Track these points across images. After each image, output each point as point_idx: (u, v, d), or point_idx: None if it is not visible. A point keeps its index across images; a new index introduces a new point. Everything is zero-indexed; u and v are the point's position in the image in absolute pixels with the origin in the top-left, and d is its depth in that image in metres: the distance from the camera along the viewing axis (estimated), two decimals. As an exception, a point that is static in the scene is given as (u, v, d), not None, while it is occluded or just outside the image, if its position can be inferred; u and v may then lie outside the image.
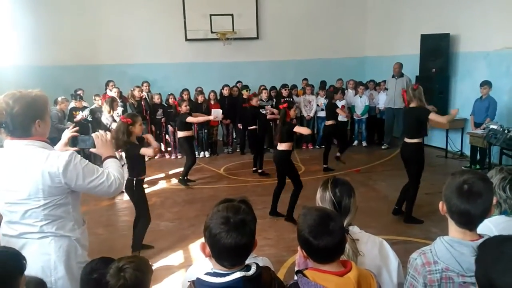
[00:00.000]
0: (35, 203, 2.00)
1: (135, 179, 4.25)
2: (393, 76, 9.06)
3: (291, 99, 9.27)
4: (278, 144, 5.21)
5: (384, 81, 9.51)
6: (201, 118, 6.98)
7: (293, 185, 5.15)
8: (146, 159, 4.49)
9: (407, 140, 4.97)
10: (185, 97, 8.76)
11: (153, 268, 4.06)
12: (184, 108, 6.76)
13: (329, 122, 7.46)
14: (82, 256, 2.19)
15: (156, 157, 8.91)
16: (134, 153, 4.20)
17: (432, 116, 4.77)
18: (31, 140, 2.02)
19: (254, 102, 7.82)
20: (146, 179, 7.13)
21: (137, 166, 4.28)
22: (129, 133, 4.15)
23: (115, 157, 2.35)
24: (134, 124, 4.18)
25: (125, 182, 3.99)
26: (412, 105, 4.89)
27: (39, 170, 1.97)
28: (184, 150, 7.02)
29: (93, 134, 2.33)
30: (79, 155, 2.12)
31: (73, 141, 2.34)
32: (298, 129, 5.32)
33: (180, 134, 6.83)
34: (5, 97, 1.96)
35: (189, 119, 6.68)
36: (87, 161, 2.13)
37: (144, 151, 4.18)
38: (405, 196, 5.14)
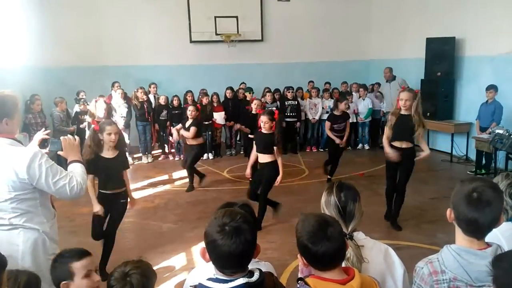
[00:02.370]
0: (2, 196, 2.12)
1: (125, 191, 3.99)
2: (386, 81, 9.02)
3: (297, 102, 9.26)
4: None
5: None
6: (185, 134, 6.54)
7: None
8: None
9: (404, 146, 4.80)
10: (189, 99, 8.78)
11: (155, 270, 4.06)
12: (193, 113, 6.53)
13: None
14: (51, 249, 2.31)
15: (160, 159, 8.96)
16: (123, 162, 3.94)
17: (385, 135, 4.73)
18: (0, 137, 2.15)
19: (253, 107, 7.10)
20: (149, 182, 7.25)
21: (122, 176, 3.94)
22: (100, 141, 3.74)
23: (81, 162, 2.43)
24: (101, 132, 3.71)
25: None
26: (402, 112, 4.71)
27: (6, 166, 2.09)
28: (187, 152, 6.84)
29: (61, 138, 2.42)
30: (46, 155, 2.22)
31: (43, 144, 2.49)
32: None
33: (193, 141, 6.61)
34: None
35: (182, 131, 6.51)
36: (53, 162, 2.23)
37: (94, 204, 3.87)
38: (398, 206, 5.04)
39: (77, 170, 2.34)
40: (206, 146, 6.50)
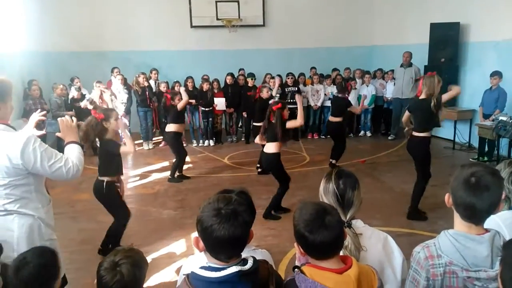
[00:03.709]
0: None
1: (105, 180, 3.80)
2: (401, 66, 8.91)
3: (298, 88, 9.16)
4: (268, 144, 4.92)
5: (392, 71, 9.36)
6: (184, 100, 6.39)
7: None
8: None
9: (414, 133, 4.75)
10: (189, 85, 8.71)
11: (155, 256, 4.07)
12: (177, 102, 6.36)
13: (335, 119, 6.77)
14: (47, 234, 2.31)
15: (161, 145, 8.93)
16: (107, 150, 3.79)
17: (445, 96, 4.58)
18: None
19: (265, 94, 6.94)
20: (150, 168, 7.24)
21: (110, 165, 3.84)
22: (103, 129, 3.76)
23: (78, 143, 2.42)
24: (107, 119, 3.74)
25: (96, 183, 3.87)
26: (421, 96, 4.63)
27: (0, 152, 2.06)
28: (174, 147, 6.51)
29: (58, 119, 2.41)
30: (39, 139, 2.19)
31: (40, 125, 2.47)
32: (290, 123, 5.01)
33: (171, 127, 6.36)
34: None
35: (180, 105, 6.30)
36: (46, 145, 2.21)
37: (124, 149, 3.83)
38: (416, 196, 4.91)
39: (74, 151, 2.33)
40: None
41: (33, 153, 2.11)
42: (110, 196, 3.89)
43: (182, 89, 6.54)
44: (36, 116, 2.51)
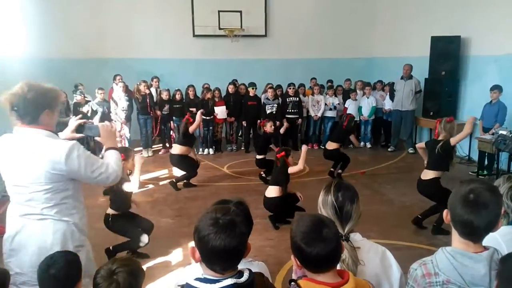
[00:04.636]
0: (37, 187, 2.14)
1: (111, 214, 4.01)
2: (401, 78, 8.95)
3: (298, 98, 9.18)
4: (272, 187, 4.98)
5: (391, 83, 9.38)
6: (196, 123, 6.49)
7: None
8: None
9: (425, 174, 4.71)
10: (190, 94, 8.77)
11: (151, 265, 4.05)
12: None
13: (332, 146, 6.84)
14: (80, 240, 2.34)
15: (160, 153, 8.93)
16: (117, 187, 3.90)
17: (453, 140, 4.58)
18: (39, 129, 2.17)
19: (269, 128, 6.78)
20: (149, 176, 7.22)
21: (115, 200, 4.06)
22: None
23: (117, 149, 2.47)
24: (127, 159, 3.93)
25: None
26: (440, 137, 4.67)
27: (44, 158, 2.11)
28: (184, 167, 6.55)
29: (99, 124, 2.47)
30: (82, 146, 2.24)
31: (79, 128, 2.50)
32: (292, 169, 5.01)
33: (177, 149, 6.42)
34: (22, 83, 2.13)
35: (191, 128, 6.39)
36: (89, 152, 2.27)
37: (129, 187, 3.92)
38: (433, 213, 4.80)
39: (113, 157, 2.38)
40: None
41: (77, 159, 2.15)
42: (116, 227, 4.06)
43: (199, 113, 6.64)
44: (74, 121, 2.56)
